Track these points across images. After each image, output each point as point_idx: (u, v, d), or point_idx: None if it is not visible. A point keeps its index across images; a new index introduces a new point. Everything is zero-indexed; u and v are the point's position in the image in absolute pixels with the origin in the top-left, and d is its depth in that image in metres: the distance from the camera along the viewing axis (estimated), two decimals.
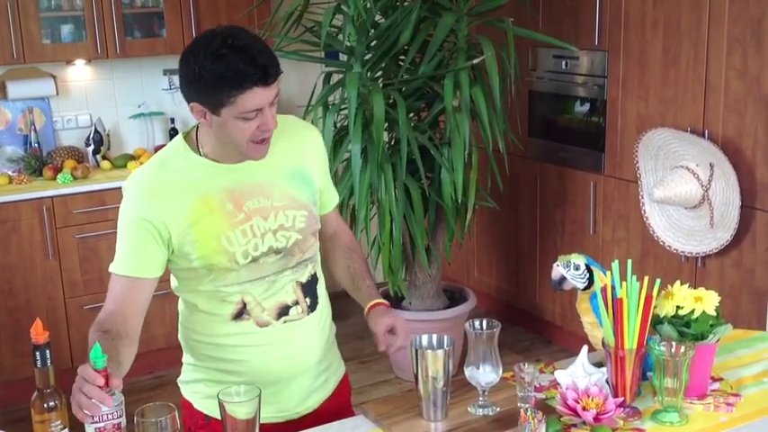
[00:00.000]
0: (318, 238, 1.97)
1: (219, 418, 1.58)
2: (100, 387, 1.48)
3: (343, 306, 2.52)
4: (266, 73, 1.66)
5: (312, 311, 1.91)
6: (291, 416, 1.94)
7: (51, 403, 1.54)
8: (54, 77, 4.32)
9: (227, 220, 1.78)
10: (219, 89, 1.65)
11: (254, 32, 1.72)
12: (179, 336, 1.99)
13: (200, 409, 1.95)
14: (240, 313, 1.84)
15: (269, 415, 1.87)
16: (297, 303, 1.88)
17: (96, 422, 1.51)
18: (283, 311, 1.86)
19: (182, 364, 2.00)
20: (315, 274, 1.93)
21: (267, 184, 1.83)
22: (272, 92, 1.69)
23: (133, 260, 1.76)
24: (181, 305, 1.95)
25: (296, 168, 1.88)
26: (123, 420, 1.54)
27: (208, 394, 1.91)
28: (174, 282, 1.91)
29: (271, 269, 1.83)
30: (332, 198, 2.06)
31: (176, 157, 1.81)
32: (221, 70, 1.64)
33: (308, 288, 1.90)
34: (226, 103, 1.67)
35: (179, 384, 2.02)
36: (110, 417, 1.52)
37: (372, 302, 1.99)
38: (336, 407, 1.98)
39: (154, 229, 1.74)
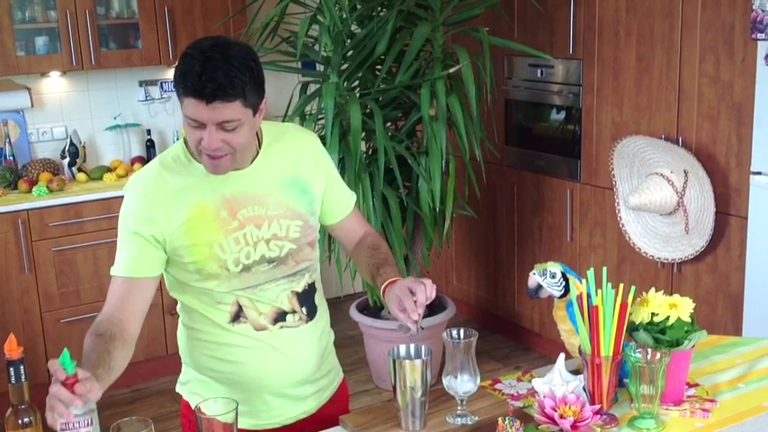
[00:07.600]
0: (344, 245, 2.05)
1: None
2: (64, 384, 1.43)
3: None
4: (203, 90, 1.62)
5: (310, 320, 1.92)
6: (286, 421, 1.95)
7: (26, 419, 1.52)
8: (29, 90, 4.28)
9: (221, 227, 1.79)
10: (176, 86, 1.69)
11: (250, 55, 1.68)
12: (178, 340, 2.00)
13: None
14: (237, 316, 1.85)
15: (264, 422, 1.91)
16: (294, 312, 1.89)
17: (64, 429, 1.46)
18: (280, 317, 1.87)
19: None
20: (312, 283, 1.94)
21: (263, 193, 1.83)
22: (213, 112, 1.64)
23: (132, 262, 1.78)
24: (180, 309, 1.95)
25: (292, 178, 1.88)
26: (94, 430, 1.50)
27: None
28: (170, 283, 1.91)
29: (263, 278, 1.84)
30: (345, 200, 2.02)
31: (176, 162, 1.82)
32: (179, 68, 1.67)
33: (305, 297, 1.91)
34: (180, 100, 1.69)
35: (178, 386, 2.02)
36: (78, 425, 1.47)
37: (385, 284, 1.89)
38: (334, 413, 1.97)
39: (150, 235, 1.77)
